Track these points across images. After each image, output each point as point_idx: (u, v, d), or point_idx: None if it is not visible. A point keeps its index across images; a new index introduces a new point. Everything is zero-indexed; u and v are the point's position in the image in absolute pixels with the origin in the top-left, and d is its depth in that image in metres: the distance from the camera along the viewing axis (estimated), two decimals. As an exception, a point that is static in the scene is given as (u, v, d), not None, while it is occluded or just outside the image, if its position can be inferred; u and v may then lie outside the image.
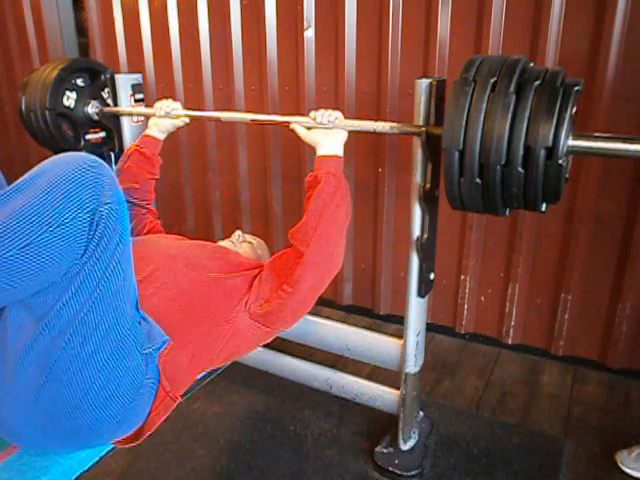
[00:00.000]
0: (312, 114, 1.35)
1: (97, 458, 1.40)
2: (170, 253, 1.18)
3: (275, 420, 1.80)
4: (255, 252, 1.51)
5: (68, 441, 0.96)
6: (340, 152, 1.32)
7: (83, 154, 0.84)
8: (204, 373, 1.21)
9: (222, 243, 1.50)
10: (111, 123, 1.94)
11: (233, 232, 1.56)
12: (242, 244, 1.51)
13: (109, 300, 0.86)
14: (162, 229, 1.57)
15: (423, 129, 1.25)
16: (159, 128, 1.59)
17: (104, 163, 0.85)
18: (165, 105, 1.60)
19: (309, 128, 1.36)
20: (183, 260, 1.17)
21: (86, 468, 1.28)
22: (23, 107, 1.88)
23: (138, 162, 1.54)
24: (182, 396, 1.10)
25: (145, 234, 1.50)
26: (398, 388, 1.57)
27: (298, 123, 1.39)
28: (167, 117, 1.59)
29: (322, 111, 1.34)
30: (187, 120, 1.61)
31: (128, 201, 1.48)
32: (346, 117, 1.36)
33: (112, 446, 1.17)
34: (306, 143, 1.37)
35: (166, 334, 1.02)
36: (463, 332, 2.29)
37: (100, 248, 0.83)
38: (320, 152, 1.31)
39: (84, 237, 0.81)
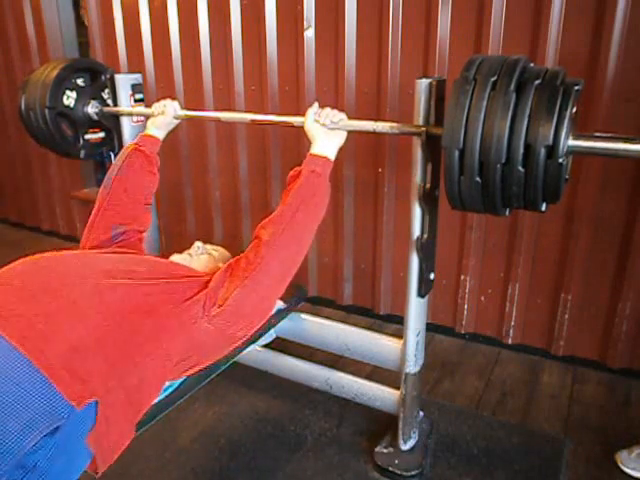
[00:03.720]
0: (317, 111, 1.33)
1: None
2: (106, 268, 1.12)
3: (275, 420, 1.80)
4: (215, 264, 1.41)
5: None
6: (332, 155, 1.30)
7: None
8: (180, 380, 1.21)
9: (175, 257, 1.43)
10: (111, 123, 1.94)
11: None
12: (200, 256, 1.44)
13: None
14: (142, 247, 1.47)
15: (423, 129, 1.25)
16: (157, 127, 1.58)
17: None
18: (162, 105, 1.59)
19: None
20: (119, 273, 1.10)
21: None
22: (23, 106, 1.87)
23: (137, 160, 1.49)
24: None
25: (118, 245, 1.41)
26: (398, 388, 1.57)
27: (298, 122, 1.39)
28: (163, 115, 1.58)
29: (328, 110, 1.32)
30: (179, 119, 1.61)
31: (127, 201, 1.45)
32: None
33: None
34: (305, 131, 1.34)
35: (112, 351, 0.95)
36: (463, 332, 2.29)
37: None
38: (313, 150, 1.30)
39: None
